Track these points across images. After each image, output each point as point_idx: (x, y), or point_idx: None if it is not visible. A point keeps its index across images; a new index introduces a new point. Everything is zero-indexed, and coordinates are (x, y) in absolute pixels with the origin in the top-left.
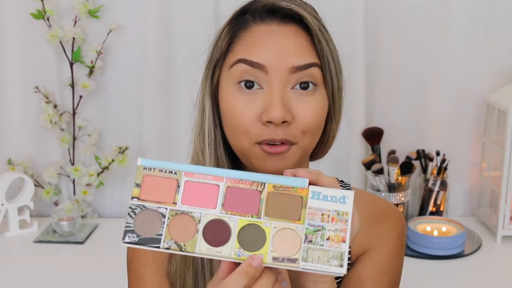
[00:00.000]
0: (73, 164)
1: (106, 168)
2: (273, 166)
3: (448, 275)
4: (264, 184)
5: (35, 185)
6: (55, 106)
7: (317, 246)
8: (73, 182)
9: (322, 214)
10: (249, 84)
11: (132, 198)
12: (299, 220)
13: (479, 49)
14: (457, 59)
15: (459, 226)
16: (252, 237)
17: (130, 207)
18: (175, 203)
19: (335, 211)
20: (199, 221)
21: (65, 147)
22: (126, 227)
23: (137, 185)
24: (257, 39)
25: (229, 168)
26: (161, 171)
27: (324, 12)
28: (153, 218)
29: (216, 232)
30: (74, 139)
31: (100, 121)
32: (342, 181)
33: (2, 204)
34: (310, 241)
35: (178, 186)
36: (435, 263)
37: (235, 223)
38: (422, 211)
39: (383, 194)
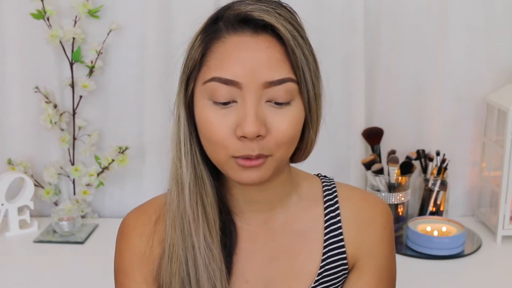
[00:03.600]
0: (73, 164)
1: (106, 168)
2: (248, 178)
3: (448, 275)
4: None
5: (35, 185)
6: (55, 106)
7: None
8: (73, 182)
9: None
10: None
11: None
12: None
13: (479, 49)
14: (457, 59)
15: (459, 226)
16: None
17: None
18: None
19: None
20: None
21: (65, 147)
22: None
23: None
24: (229, 53)
25: (206, 176)
26: None
27: (324, 12)
28: None
29: None
30: (74, 139)
31: (100, 121)
32: (325, 176)
33: (2, 204)
34: None
35: None
36: (435, 263)
37: None
38: (422, 211)
39: (383, 194)
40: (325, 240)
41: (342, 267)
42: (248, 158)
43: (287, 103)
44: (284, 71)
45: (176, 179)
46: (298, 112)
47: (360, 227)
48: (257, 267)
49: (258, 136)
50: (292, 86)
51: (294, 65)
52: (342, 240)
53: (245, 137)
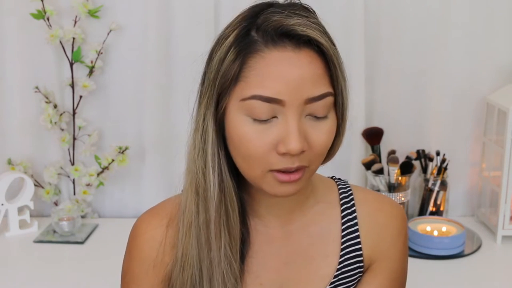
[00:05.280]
0: (73, 164)
1: (106, 168)
2: (284, 192)
3: (448, 275)
4: None
5: (35, 185)
6: (55, 106)
7: None
8: (73, 182)
9: None
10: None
11: None
12: None
13: (479, 49)
14: (457, 59)
15: (459, 226)
16: None
17: None
18: None
19: None
20: None
21: (65, 147)
22: None
23: None
24: (270, 69)
25: (233, 191)
26: None
27: (324, 12)
28: None
29: None
30: (74, 139)
31: (100, 121)
32: (339, 179)
33: (2, 204)
34: None
35: None
36: (435, 263)
37: None
38: (422, 211)
39: (383, 194)
40: (343, 243)
41: (358, 270)
42: (286, 172)
43: (325, 117)
44: (325, 87)
45: (196, 190)
46: (333, 124)
47: (376, 229)
48: (272, 270)
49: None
50: (330, 100)
51: (334, 80)
52: (359, 242)
53: (287, 153)
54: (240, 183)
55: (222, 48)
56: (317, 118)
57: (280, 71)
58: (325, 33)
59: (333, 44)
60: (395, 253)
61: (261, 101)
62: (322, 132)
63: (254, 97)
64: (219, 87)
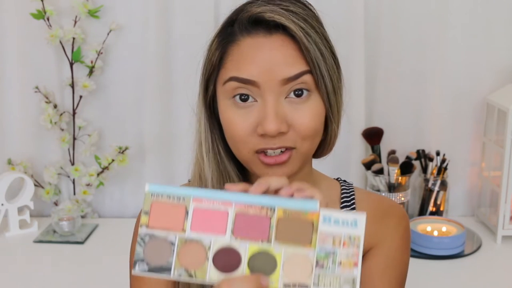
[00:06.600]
0: (73, 164)
1: (106, 168)
2: (274, 175)
3: (448, 275)
4: (274, 209)
5: (35, 185)
6: (55, 106)
7: (329, 272)
8: (73, 182)
9: (334, 239)
10: (244, 97)
11: (141, 226)
12: (310, 244)
13: (479, 49)
14: (457, 59)
15: (459, 226)
16: (263, 263)
17: (139, 236)
18: (184, 230)
19: (347, 235)
20: (209, 248)
21: (65, 147)
22: (136, 256)
23: (146, 213)
24: (245, 54)
25: (233, 173)
26: (169, 197)
27: (324, 13)
28: (162, 246)
29: (227, 259)
30: (74, 139)
31: (100, 121)
32: (344, 180)
33: (2, 204)
34: (322, 266)
35: (187, 213)
36: (435, 263)
37: (245, 249)
38: (422, 211)
39: (383, 194)
40: None
41: None
42: (272, 156)
43: (307, 94)
44: (300, 66)
45: (199, 175)
46: (318, 106)
47: (373, 224)
48: None
49: (280, 133)
50: (309, 78)
51: (309, 61)
52: None
53: (265, 134)
54: (244, 176)
55: (209, 41)
56: (298, 98)
57: (252, 55)
58: (304, 19)
59: (314, 30)
60: (391, 242)
61: (238, 83)
62: (304, 113)
63: (231, 79)
64: (206, 75)
